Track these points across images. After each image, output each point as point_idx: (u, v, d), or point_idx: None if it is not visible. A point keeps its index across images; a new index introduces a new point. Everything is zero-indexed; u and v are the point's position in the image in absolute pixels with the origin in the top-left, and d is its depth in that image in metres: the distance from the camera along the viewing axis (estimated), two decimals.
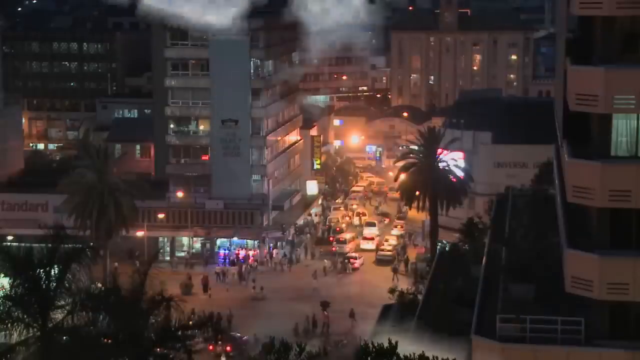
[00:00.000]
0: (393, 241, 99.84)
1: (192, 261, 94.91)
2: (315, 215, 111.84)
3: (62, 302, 41.36)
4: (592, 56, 32.72)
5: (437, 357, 38.08)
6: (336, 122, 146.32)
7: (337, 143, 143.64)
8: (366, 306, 76.53)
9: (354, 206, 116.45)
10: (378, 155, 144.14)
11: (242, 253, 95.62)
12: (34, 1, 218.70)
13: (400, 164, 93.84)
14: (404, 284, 74.67)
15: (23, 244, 46.90)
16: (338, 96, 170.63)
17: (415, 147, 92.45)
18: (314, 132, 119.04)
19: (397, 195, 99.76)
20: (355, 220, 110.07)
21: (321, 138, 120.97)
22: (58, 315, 41.09)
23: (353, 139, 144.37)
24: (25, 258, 41.89)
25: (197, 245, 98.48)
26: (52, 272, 41.41)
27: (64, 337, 40.81)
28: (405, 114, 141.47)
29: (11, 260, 41.76)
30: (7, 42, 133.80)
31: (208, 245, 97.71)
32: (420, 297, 54.85)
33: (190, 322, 46.40)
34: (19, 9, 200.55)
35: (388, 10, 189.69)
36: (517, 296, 35.17)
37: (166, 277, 52.51)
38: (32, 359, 40.28)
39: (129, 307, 41.53)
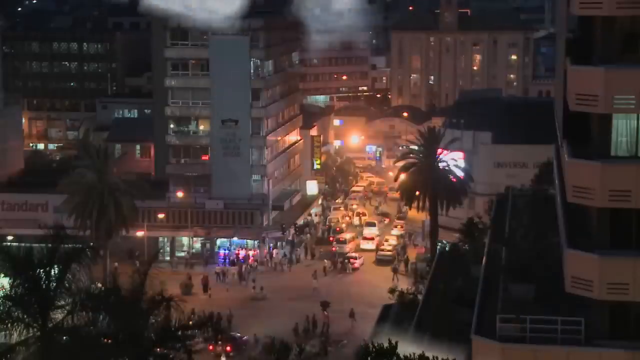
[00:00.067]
0: (393, 241, 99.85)
1: (192, 261, 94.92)
2: (315, 215, 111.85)
3: (62, 302, 41.39)
4: (592, 56, 32.71)
5: (437, 357, 38.10)
6: (336, 122, 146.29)
7: (337, 143, 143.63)
8: (366, 306, 76.55)
9: (354, 206, 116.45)
10: (378, 155, 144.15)
11: (242, 253, 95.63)
12: (34, 1, 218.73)
13: (400, 164, 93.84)
14: (404, 284, 74.67)
15: (23, 244, 46.93)
16: (338, 96, 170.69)
17: (415, 147, 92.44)
18: (314, 132, 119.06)
19: (397, 195, 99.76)
20: (355, 220, 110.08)
21: (321, 138, 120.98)
22: (58, 315, 41.12)
23: (353, 139, 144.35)
24: (25, 258, 41.91)
25: (197, 245, 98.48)
26: (52, 272, 41.43)
27: (64, 337, 40.84)
28: (405, 114, 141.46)
29: (11, 260, 41.78)
30: (7, 42, 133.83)
31: (208, 245, 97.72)
32: (420, 297, 54.83)
33: (190, 322, 46.42)
34: (19, 9, 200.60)
35: (387, 10, 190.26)
36: (517, 296, 35.16)
37: (166, 277, 52.57)
38: (32, 359, 40.30)
39: (129, 307, 41.55)
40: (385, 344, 37.97)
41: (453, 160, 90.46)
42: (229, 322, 74.95)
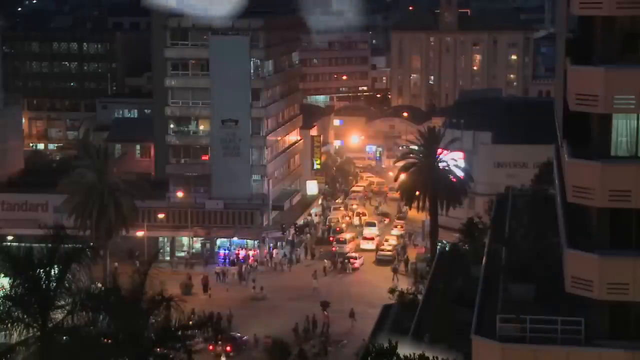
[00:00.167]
0: (393, 241, 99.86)
1: (192, 261, 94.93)
2: (315, 215, 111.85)
3: (62, 302, 41.42)
4: (592, 56, 32.70)
5: (437, 357, 38.09)
6: (336, 122, 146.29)
7: (337, 143, 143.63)
8: (366, 306, 76.55)
9: (354, 206, 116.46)
10: (378, 155, 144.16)
11: (242, 253, 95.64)
12: (34, 1, 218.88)
13: (400, 164, 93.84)
14: (404, 284, 74.65)
15: (23, 244, 46.95)
16: (338, 96, 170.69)
17: (415, 147, 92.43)
18: (314, 132, 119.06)
19: (397, 195, 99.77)
20: (355, 220, 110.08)
21: (321, 138, 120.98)
22: (58, 315, 41.14)
23: (353, 139, 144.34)
24: (25, 258, 41.93)
25: (197, 245, 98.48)
26: (52, 272, 41.46)
27: (64, 337, 40.86)
28: (405, 114, 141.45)
29: (11, 260, 41.80)
30: (7, 42, 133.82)
31: (208, 245, 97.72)
32: (420, 297, 54.79)
33: (190, 322, 46.43)
34: (19, 9, 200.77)
35: (387, 10, 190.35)
36: (517, 296, 35.14)
37: (166, 277, 52.58)
38: (32, 359, 40.32)
39: (129, 307, 41.56)
40: (385, 344, 37.94)
41: (453, 160, 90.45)
42: (229, 322, 74.98)
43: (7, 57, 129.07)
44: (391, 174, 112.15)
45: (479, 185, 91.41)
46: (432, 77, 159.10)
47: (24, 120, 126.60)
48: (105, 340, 41.24)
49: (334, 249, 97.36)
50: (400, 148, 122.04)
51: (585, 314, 32.56)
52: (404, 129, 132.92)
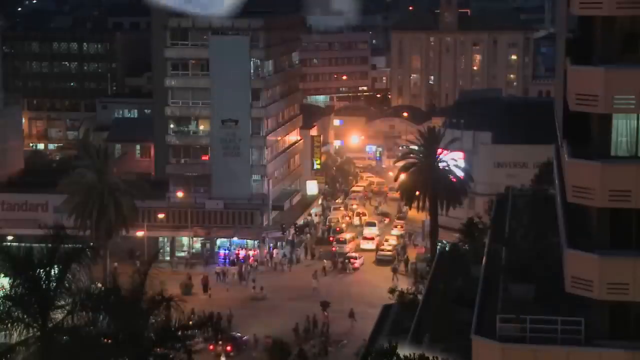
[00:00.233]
0: (393, 241, 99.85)
1: (193, 261, 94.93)
2: (315, 215, 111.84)
3: (62, 302, 41.37)
4: (592, 56, 32.70)
5: (437, 358, 38.09)
6: (336, 122, 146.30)
7: (337, 143, 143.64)
8: (366, 306, 76.56)
9: (354, 206, 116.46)
10: (378, 155, 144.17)
11: (242, 253, 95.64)
12: (34, 1, 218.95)
13: (400, 164, 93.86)
14: (404, 284, 74.64)
15: (23, 244, 46.90)
16: (338, 96, 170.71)
17: (415, 147, 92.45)
18: (314, 132, 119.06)
19: (397, 195, 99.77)
20: (356, 220, 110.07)
21: (321, 138, 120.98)
22: (58, 315, 41.09)
23: (353, 139, 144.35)
24: (25, 258, 41.88)
25: (197, 245, 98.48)
26: (52, 272, 41.40)
27: (64, 337, 40.81)
28: (405, 114, 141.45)
29: (11, 260, 41.76)
30: (7, 42, 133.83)
31: (208, 245, 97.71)
32: (420, 297, 54.79)
33: (190, 322, 46.40)
34: (19, 9, 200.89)
35: (387, 10, 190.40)
36: (517, 296, 35.13)
37: (166, 277, 52.58)
38: (32, 359, 40.28)
39: (129, 307, 41.53)
40: (385, 345, 37.95)
41: (453, 160, 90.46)
42: (229, 322, 74.95)
43: (7, 57, 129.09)
44: (391, 174, 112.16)
45: (479, 185, 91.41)
46: (432, 77, 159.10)
47: (24, 120, 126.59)
48: (105, 340, 41.21)
49: (334, 249, 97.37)
50: (400, 148, 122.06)
51: (585, 314, 32.55)
52: (404, 129, 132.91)
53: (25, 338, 40.28)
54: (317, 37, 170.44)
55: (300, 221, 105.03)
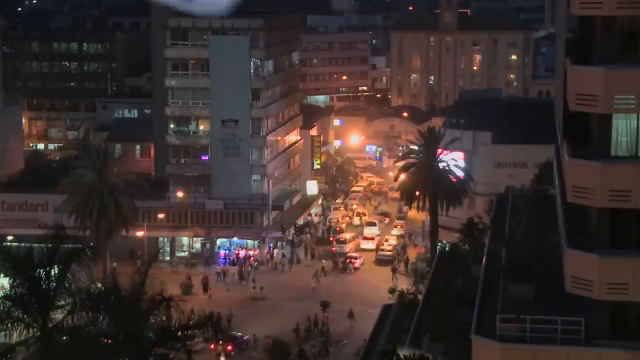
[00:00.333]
0: (393, 241, 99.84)
1: (193, 261, 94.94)
2: (315, 215, 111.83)
3: (62, 302, 41.36)
4: (592, 56, 32.69)
5: (437, 358, 38.09)
6: (336, 122, 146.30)
7: (337, 143, 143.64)
8: (366, 306, 76.56)
9: (354, 206, 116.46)
10: (378, 155, 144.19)
11: (242, 253, 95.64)
12: (34, 1, 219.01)
13: (400, 164, 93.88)
14: (403, 284, 74.66)
15: (23, 244, 46.89)
16: (338, 96, 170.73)
17: (415, 147, 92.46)
18: (314, 132, 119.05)
19: (397, 195, 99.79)
20: (356, 220, 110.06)
21: (321, 138, 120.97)
22: (58, 315, 41.09)
23: (353, 139, 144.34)
24: (25, 258, 41.88)
25: (197, 245, 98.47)
26: (52, 272, 41.39)
27: (64, 337, 40.81)
28: (405, 114, 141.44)
29: (11, 260, 41.75)
30: (7, 42, 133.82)
31: (208, 245, 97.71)
32: (420, 297, 54.79)
33: (190, 322, 46.41)
34: (19, 9, 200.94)
35: (387, 10, 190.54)
36: (517, 296, 35.11)
37: (166, 277, 52.56)
38: (32, 359, 40.28)
39: (129, 307, 41.52)
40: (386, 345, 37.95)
41: (453, 160, 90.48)
42: (229, 322, 74.96)
43: (7, 57, 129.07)
44: (391, 174, 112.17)
45: (479, 185, 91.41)
46: (432, 77, 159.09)
47: (24, 120, 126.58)
48: (105, 340, 41.21)
49: (334, 249, 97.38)
50: (400, 148, 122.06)
51: (585, 314, 32.54)
52: (404, 129, 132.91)
53: (25, 338, 40.28)
54: (317, 37, 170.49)
55: (300, 221, 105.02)
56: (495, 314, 33.52)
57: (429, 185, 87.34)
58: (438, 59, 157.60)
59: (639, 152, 31.65)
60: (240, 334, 73.07)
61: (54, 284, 41.16)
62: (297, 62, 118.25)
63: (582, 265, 31.78)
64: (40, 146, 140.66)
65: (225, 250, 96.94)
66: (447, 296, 43.71)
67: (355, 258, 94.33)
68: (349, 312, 76.98)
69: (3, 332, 40.96)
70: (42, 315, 40.48)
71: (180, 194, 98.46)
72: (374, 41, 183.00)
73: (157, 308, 42.25)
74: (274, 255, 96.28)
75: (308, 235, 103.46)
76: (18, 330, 40.16)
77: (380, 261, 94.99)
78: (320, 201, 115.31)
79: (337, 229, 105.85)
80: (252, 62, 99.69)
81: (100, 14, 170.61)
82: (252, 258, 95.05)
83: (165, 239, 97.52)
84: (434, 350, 39.29)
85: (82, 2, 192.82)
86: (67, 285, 41.30)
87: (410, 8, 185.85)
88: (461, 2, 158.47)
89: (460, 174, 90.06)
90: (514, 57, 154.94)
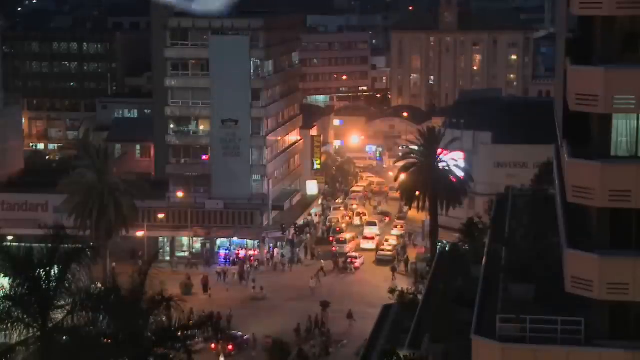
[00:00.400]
0: (393, 241, 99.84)
1: (194, 261, 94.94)
2: (315, 215, 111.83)
3: (62, 302, 41.32)
4: (592, 56, 32.69)
5: (436, 357, 38.08)
6: (336, 122, 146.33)
7: (337, 143, 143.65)
8: (366, 306, 76.56)
9: (354, 206, 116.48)
10: (378, 155, 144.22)
11: (242, 253, 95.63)
12: (34, 1, 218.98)
13: (401, 164, 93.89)
14: (403, 284, 74.67)
15: (23, 244, 46.83)
16: (338, 96, 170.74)
17: (415, 147, 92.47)
18: (314, 132, 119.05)
19: (397, 195, 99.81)
20: (356, 220, 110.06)
21: (321, 138, 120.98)
22: (58, 315, 41.04)
23: (353, 139, 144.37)
24: (25, 258, 41.83)
25: (197, 245, 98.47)
26: (52, 272, 41.35)
27: (64, 337, 40.78)
28: (405, 114, 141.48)
29: (11, 260, 41.71)
30: (7, 42, 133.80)
31: (208, 245, 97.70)
32: (420, 297, 54.79)
33: (190, 322, 46.39)
34: (19, 9, 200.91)
35: (387, 10, 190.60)
36: (517, 296, 35.11)
37: (166, 277, 52.55)
38: (32, 359, 40.26)
39: (129, 307, 41.49)
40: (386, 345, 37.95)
41: (453, 160, 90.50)
42: (229, 322, 74.94)
43: (7, 57, 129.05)
44: (391, 174, 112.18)
45: (479, 185, 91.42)
46: (432, 77, 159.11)
47: (24, 120, 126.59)
48: (105, 340, 41.18)
49: (334, 249, 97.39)
50: (400, 148, 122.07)
51: (585, 314, 32.54)
52: (404, 129, 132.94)
53: (25, 338, 40.25)
54: (317, 37, 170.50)
55: (300, 221, 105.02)
56: (495, 314, 33.51)
57: (429, 185, 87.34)
58: (438, 59, 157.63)
59: (639, 152, 31.65)
60: (240, 333, 73.09)
61: (54, 284, 41.11)
62: (297, 62, 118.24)
63: (582, 265, 31.78)
64: (40, 146, 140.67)
65: (226, 250, 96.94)
66: (447, 296, 43.68)
67: (356, 258, 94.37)
68: (348, 312, 76.97)
69: (3, 332, 40.93)
70: (42, 315, 40.45)
71: (180, 194, 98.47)
72: (374, 41, 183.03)
73: (157, 308, 42.22)
74: (274, 255, 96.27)
75: (308, 235, 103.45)
76: (18, 330, 40.11)
77: (380, 261, 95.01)
78: (320, 201, 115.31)
79: (337, 229, 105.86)
80: (252, 62, 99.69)
81: (100, 14, 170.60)
82: (252, 258, 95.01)
83: (165, 239, 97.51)
84: (434, 351, 39.27)
85: (82, 2, 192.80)
86: (67, 285, 41.26)
87: (410, 8, 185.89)
88: (461, 2, 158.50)
89: (460, 174, 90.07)
90: (514, 57, 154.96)
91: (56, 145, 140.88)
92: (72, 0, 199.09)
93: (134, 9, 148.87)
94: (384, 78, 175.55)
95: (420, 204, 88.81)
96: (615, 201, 31.19)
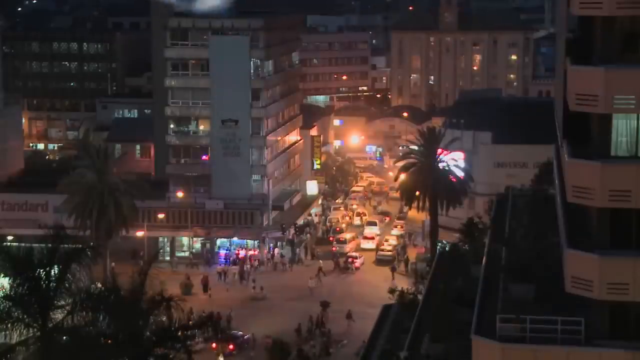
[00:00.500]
0: (393, 241, 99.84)
1: (195, 261, 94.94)
2: (315, 215, 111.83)
3: (62, 302, 41.31)
4: (592, 56, 32.68)
5: (437, 357, 38.07)
6: (336, 122, 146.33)
7: (337, 143, 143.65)
8: (366, 306, 76.56)
9: (354, 206, 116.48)
10: (379, 155, 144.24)
11: (242, 253, 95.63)
12: (34, 1, 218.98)
13: (401, 164, 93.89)
14: (403, 284, 74.62)
15: (23, 244, 46.82)
16: (338, 96, 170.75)
17: (415, 147, 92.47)
18: (314, 132, 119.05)
19: (397, 195, 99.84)
20: (356, 220, 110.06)
21: (321, 138, 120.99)
22: (58, 315, 41.04)
23: (353, 139, 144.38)
24: (25, 258, 41.82)
25: (197, 245, 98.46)
26: (52, 272, 41.35)
27: (64, 337, 40.77)
28: (405, 114, 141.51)
29: (11, 260, 41.71)
30: (7, 42, 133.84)
31: (208, 245, 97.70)
32: (420, 297, 54.77)
33: (190, 322, 46.39)
34: (19, 9, 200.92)
35: (387, 10, 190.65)
36: (517, 296, 35.09)
37: (166, 277, 52.57)
38: (32, 359, 40.26)
39: (129, 307, 41.49)
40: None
41: (453, 160, 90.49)
42: (228, 322, 74.93)
43: (7, 57, 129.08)
44: (391, 174, 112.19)
45: (479, 185, 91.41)
46: (432, 77, 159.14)
47: (24, 120, 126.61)
48: (105, 340, 41.18)
49: (334, 249, 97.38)
50: (400, 148, 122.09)
51: (585, 314, 32.53)
52: (404, 129, 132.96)
53: (25, 338, 40.24)
54: (317, 37, 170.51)
55: (300, 221, 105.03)
56: (495, 314, 33.50)
57: (429, 185, 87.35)
58: (438, 59, 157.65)
59: (639, 152, 31.64)
60: (241, 333, 73.10)
61: (54, 284, 41.11)
62: (297, 62, 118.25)
63: (582, 265, 31.77)
64: (40, 146, 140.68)
65: (226, 250, 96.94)
66: (447, 296, 43.66)
67: (356, 258, 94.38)
68: (347, 313, 76.96)
69: (3, 332, 40.92)
70: (42, 315, 40.45)
71: (180, 194, 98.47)
72: (374, 41, 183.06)
73: (157, 308, 42.21)
74: (274, 255, 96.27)
75: (308, 235, 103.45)
76: (18, 330, 40.11)
77: (380, 261, 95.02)
78: (320, 201, 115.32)
79: (337, 229, 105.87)
80: (252, 62, 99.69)
81: (100, 14, 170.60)
82: (251, 258, 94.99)
83: (165, 239, 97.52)
84: (434, 350, 39.27)
85: (82, 2, 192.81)
86: (67, 285, 41.25)
87: (410, 8, 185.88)
88: (461, 2, 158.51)
89: (460, 174, 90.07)
90: (514, 57, 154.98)
91: (56, 145, 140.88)
92: (72, 0, 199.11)
93: (133, 9, 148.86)
94: (384, 78, 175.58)
95: (420, 204, 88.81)
96: (615, 201, 31.18)
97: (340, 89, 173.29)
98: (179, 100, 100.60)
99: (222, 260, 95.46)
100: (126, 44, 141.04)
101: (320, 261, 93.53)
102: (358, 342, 67.55)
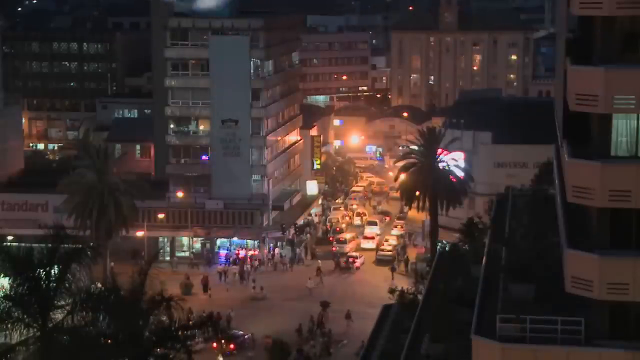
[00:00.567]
0: (393, 241, 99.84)
1: (195, 261, 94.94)
2: (315, 215, 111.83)
3: (62, 302, 41.33)
4: (592, 56, 32.68)
5: (437, 357, 38.06)
6: (336, 122, 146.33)
7: (337, 143, 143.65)
8: (366, 306, 76.55)
9: (354, 206, 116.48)
10: (379, 155, 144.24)
11: (242, 253, 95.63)
12: (34, 1, 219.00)
13: (401, 164, 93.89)
14: (403, 284, 74.56)
15: (23, 244, 46.85)
16: (338, 96, 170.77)
17: (416, 147, 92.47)
18: (314, 132, 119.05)
19: (397, 195, 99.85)
20: (356, 220, 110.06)
21: (321, 138, 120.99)
22: (58, 315, 41.06)
23: (353, 139, 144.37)
24: (25, 258, 41.84)
25: (197, 245, 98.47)
26: (52, 272, 41.37)
27: (64, 337, 40.77)
28: (405, 114, 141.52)
29: (11, 260, 41.72)
30: (7, 42, 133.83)
31: (208, 245, 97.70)
32: (420, 297, 54.77)
33: (190, 322, 46.40)
34: (19, 9, 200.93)
35: (387, 10, 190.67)
36: (517, 296, 35.08)
37: (166, 277, 52.57)
38: (32, 359, 40.26)
39: (129, 307, 41.50)
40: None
41: (453, 160, 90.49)
42: (228, 322, 74.94)
43: (7, 57, 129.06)
44: (391, 174, 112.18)
45: (479, 185, 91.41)
46: (432, 77, 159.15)
47: (24, 120, 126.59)
48: (105, 340, 41.18)
49: (334, 248, 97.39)
50: (400, 148, 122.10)
51: (585, 314, 32.53)
52: (404, 129, 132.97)
53: (25, 338, 40.26)
54: (317, 37, 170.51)
55: (300, 221, 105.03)
56: (495, 314, 33.49)
57: (429, 185, 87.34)
58: (438, 59, 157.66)
59: (639, 152, 31.64)
60: (241, 332, 73.10)
61: (54, 284, 41.13)
62: (297, 62, 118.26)
63: (582, 265, 31.76)
64: (40, 146, 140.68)
65: (226, 250, 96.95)
66: (447, 296, 43.66)
67: (356, 258, 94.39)
68: (347, 313, 76.95)
69: (3, 332, 40.93)
70: (42, 315, 40.46)
71: (180, 194, 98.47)
72: (374, 41, 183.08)
73: (157, 308, 42.23)
74: (274, 255, 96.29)
75: (308, 235, 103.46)
76: (18, 330, 40.13)
77: (380, 261, 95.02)
78: (320, 201, 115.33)
79: (337, 229, 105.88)
80: (252, 62, 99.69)
81: (100, 14, 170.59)
82: (251, 258, 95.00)
83: (165, 239, 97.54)
84: (434, 350, 39.26)
85: (82, 2, 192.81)
86: (67, 285, 41.27)
87: (410, 8, 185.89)
88: (461, 2, 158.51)
89: (460, 174, 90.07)
90: (514, 57, 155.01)
91: (56, 145, 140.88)
92: (72, 0, 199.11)
93: (133, 9, 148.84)
94: (384, 78, 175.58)
95: (420, 204, 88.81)
96: (615, 201, 31.17)
97: (340, 89, 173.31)
98: (179, 100, 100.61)
99: (222, 260, 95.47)
100: (126, 44, 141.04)
101: (319, 261, 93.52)
102: (358, 342, 67.58)
